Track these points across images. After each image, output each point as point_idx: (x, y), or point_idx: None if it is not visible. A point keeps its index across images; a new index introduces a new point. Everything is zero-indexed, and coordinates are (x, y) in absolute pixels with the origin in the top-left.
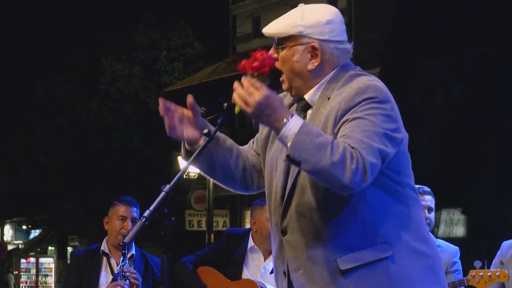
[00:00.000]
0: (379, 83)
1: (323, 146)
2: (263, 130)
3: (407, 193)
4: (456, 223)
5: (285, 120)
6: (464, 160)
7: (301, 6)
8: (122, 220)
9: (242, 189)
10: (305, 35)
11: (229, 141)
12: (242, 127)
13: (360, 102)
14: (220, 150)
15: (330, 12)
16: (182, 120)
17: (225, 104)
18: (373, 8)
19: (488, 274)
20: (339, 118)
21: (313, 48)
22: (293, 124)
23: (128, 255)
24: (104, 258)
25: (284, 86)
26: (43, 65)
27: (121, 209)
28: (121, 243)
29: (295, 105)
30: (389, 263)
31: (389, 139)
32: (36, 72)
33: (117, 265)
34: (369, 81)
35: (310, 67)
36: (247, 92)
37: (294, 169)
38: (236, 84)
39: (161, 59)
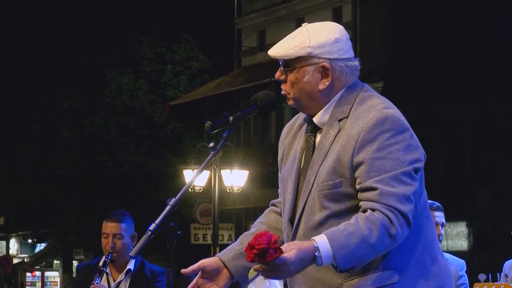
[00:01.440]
0: (394, 110)
1: (361, 243)
2: (280, 165)
3: (422, 218)
4: (459, 237)
5: (316, 254)
6: (468, 174)
7: (306, 26)
8: (105, 237)
9: None
10: (315, 55)
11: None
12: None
13: (378, 135)
14: None
15: (336, 30)
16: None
17: (231, 118)
18: (378, 22)
19: (493, 287)
20: (358, 150)
21: (324, 68)
22: (325, 252)
23: (125, 270)
24: (105, 274)
25: (289, 102)
26: (48, 78)
27: (104, 226)
28: (104, 260)
29: (305, 125)
30: None
31: (415, 171)
32: (41, 85)
33: (114, 281)
34: (385, 110)
35: (321, 87)
36: (279, 274)
37: (305, 191)
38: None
39: (166, 73)
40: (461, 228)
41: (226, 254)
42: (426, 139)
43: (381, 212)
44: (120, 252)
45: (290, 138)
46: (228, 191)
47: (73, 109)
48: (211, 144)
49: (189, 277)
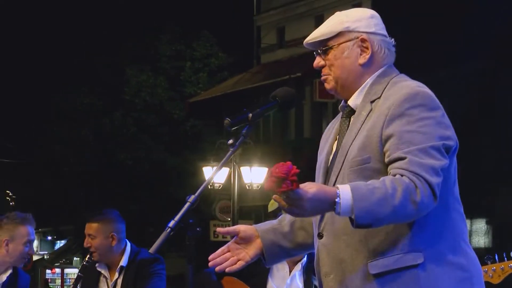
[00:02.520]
0: (428, 90)
1: (382, 200)
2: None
3: (450, 202)
4: (479, 234)
5: (336, 199)
6: (487, 170)
7: (338, 12)
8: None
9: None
10: (352, 29)
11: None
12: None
13: (409, 109)
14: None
15: (370, 10)
16: (238, 250)
17: (250, 115)
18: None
19: (501, 267)
20: (388, 123)
21: (363, 40)
22: (345, 199)
23: (118, 267)
24: (102, 276)
25: (328, 85)
26: (67, 76)
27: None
28: (84, 262)
29: (340, 114)
30: (420, 271)
31: (446, 149)
32: (60, 83)
33: (111, 281)
34: (418, 87)
35: (362, 61)
36: (293, 208)
37: (335, 170)
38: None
39: (186, 70)
40: (480, 224)
41: (262, 226)
42: None
43: (408, 177)
44: (99, 252)
45: (328, 132)
46: (247, 188)
47: (92, 106)
48: (231, 141)
49: (210, 273)
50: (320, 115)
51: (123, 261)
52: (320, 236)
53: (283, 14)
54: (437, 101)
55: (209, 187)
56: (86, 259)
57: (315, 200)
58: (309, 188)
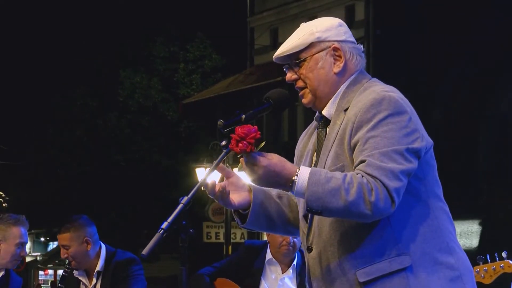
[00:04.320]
0: (395, 94)
1: (336, 190)
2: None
3: (432, 202)
4: (472, 235)
5: (293, 178)
6: (482, 170)
7: (304, 23)
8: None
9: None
10: (323, 39)
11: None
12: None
13: (375, 115)
14: (268, 201)
15: (337, 19)
16: (225, 192)
17: (243, 116)
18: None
19: (493, 267)
20: (355, 130)
21: (335, 49)
22: (302, 179)
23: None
24: (81, 283)
25: (306, 100)
26: (61, 77)
27: None
28: (63, 272)
29: (316, 124)
30: (408, 274)
31: (411, 153)
32: (54, 84)
33: (90, 285)
34: (385, 92)
35: (336, 69)
36: (248, 172)
37: None
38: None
39: (179, 71)
40: (474, 226)
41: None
42: (442, 136)
43: (366, 179)
44: (76, 260)
45: (305, 141)
46: None
47: (86, 108)
48: (224, 143)
49: (202, 275)
50: (313, 117)
51: (99, 265)
52: (309, 249)
53: (277, 15)
54: (405, 104)
55: (202, 189)
56: (65, 268)
57: (271, 171)
58: (269, 157)
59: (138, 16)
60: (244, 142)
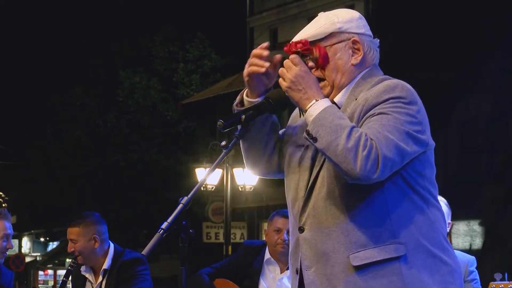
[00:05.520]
0: (409, 85)
1: (342, 128)
2: (294, 120)
3: (429, 199)
4: (473, 235)
5: (314, 100)
6: (482, 171)
7: (324, 12)
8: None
9: (264, 171)
10: (344, 30)
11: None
12: None
13: (387, 100)
14: (262, 126)
15: (356, 11)
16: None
17: (243, 116)
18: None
19: (510, 286)
20: (364, 112)
21: (354, 42)
22: (320, 104)
23: (101, 270)
24: (87, 281)
25: (326, 90)
26: (61, 77)
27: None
28: (69, 266)
29: None
30: (402, 263)
31: (411, 138)
32: (54, 84)
33: (96, 283)
34: (399, 81)
35: (354, 61)
36: (286, 67)
37: (317, 165)
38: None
39: (179, 71)
40: (473, 226)
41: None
42: (440, 137)
43: (367, 137)
44: (82, 255)
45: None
46: (240, 189)
47: (86, 108)
48: (224, 143)
49: (202, 274)
50: None
51: (106, 264)
52: (301, 230)
53: (276, 15)
54: (416, 96)
55: (202, 189)
56: (71, 263)
57: (305, 79)
58: (309, 71)
59: (137, 16)
60: (300, 44)
